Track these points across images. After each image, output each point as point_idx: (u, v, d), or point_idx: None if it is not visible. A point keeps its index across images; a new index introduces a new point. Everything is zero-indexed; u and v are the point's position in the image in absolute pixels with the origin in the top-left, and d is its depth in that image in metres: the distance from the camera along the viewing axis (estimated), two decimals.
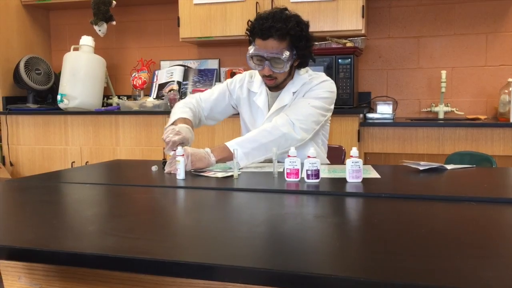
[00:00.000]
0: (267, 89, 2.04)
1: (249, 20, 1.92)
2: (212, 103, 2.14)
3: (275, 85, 1.97)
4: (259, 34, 1.84)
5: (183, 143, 1.83)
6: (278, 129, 1.85)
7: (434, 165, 1.76)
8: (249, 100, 2.10)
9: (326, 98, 1.97)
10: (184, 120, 1.98)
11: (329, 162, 2.11)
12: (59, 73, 3.74)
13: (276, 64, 1.87)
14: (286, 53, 1.84)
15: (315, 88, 1.97)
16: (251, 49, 1.89)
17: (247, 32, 1.93)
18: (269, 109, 2.04)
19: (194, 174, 1.72)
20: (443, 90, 3.27)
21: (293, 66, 1.95)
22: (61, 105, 3.57)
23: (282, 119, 1.88)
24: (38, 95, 3.89)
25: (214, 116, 2.18)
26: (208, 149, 1.81)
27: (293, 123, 1.88)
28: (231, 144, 1.81)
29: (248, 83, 2.11)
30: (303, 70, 2.02)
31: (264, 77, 1.94)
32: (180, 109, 2.06)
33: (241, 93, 2.12)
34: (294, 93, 1.99)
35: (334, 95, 2.03)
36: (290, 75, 1.98)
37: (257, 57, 1.89)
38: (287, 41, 1.85)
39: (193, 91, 3.47)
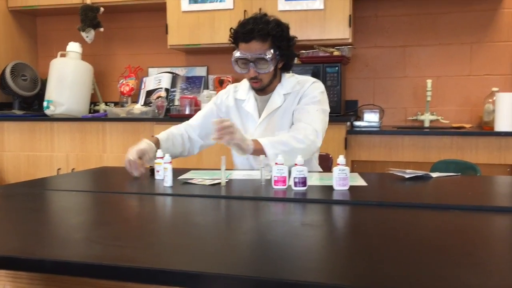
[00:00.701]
0: (255, 94, 2.06)
1: (231, 28, 1.98)
2: (201, 120, 2.15)
3: (261, 87, 2.00)
4: (242, 38, 1.91)
5: (141, 157, 1.86)
6: (308, 137, 1.87)
7: (420, 173, 1.77)
8: (237, 108, 2.11)
9: (324, 100, 2.03)
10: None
11: (321, 170, 2.13)
12: (46, 80, 3.71)
13: (261, 65, 1.92)
14: (270, 53, 1.89)
15: (309, 92, 2.00)
16: (236, 53, 1.94)
17: (231, 38, 1.98)
18: (259, 114, 2.05)
19: (181, 181, 1.72)
20: (429, 98, 3.31)
21: (277, 68, 1.99)
22: (47, 112, 3.54)
23: (307, 128, 1.90)
24: (24, 102, 3.85)
25: (207, 134, 2.12)
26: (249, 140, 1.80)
27: (316, 131, 1.90)
28: (265, 142, 1.80)
29: (233, 93, 2.13)
30: (288, 75, 2.07)
31: (250, 80, 1.98)
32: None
33: (228, 103, 2.13)
34: (285, 95, 2.02)
35: (326, 95, 2.08)
36: (276, 77, 2.01)
37: (242, 61, 1.94)
38: (269, 42, 1.91)
39: (181, 98, 3.47)
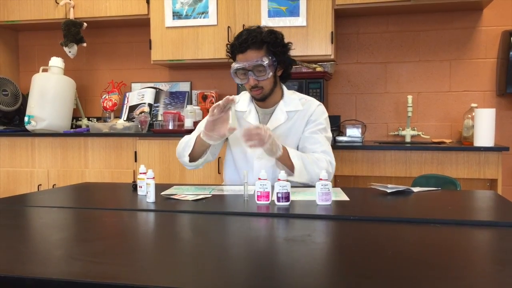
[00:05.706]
0: (256, 106, 2.07)
1: (227, 44, 2.01)
2: None
3: (263, 96, 2.00)
4: (238, 49, 1.94)
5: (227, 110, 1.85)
6: (328, 168, 1.93)
7: (401, 187, 1.79)
8: (238, 120, 2.09)
9: (328, 126, 2.09)
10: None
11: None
12: (27, 94, 3.67)
13: (259, 72, 1.94)
14: (267, 59, 1.92)
15: (316, 117, 2.04)
16: (234, 65, 1.95)
17: (228, 53, 2.01)
18: None
19: (164, 197, 1.71)
20: (410, 114, 3.36)
21: (277, 76, 2.01)
22: (28, 127, 3.51)
23: (325, 159, 1.95)
24: (5, 117, 3.81)
25: (214, 149, 2.06)
26: (280, 144, 1.84)
27: (331, 163, 1.97)
28: (293, 154, 1.87)
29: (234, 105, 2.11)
30: (289, 92, 2.10)
31: (251, 90, 1.99)
32: (192, 135, 2.03)
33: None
34: (288, 112, 2.04)
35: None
36: (276, 86, 2.03)
37: (241, 71, 1.95)
38: (264, 49, 1.94)
39: (164, 113, 3.46)
